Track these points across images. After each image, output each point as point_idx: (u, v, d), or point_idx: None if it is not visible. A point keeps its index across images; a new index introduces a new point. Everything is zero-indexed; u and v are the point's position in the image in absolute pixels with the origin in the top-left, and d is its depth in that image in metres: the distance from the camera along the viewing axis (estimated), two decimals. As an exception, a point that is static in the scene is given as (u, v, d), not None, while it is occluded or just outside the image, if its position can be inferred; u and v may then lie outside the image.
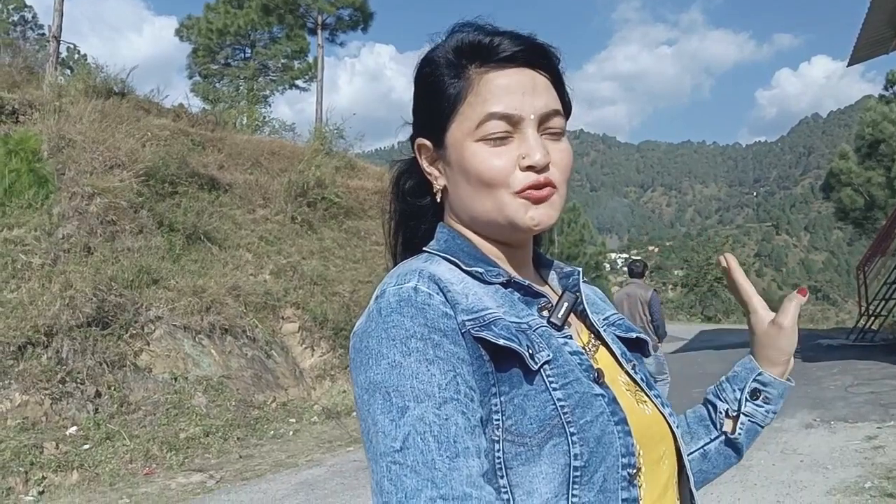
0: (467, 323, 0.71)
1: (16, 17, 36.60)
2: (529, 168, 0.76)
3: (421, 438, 0.63)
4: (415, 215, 0.91)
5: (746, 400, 0.94)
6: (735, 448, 0.96)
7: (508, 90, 0.76)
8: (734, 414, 0.95)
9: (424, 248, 0.84)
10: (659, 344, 6.79)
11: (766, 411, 0.94)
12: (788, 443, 5.76)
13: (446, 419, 0.65)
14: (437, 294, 0.72)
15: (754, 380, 0.95)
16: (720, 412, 0.96)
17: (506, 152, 0.76)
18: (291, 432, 6.89)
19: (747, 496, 4.45)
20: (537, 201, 0.77)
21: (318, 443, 6.51)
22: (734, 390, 0.96)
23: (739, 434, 0.94)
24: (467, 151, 0.77)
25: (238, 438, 6.47)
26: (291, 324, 9.04)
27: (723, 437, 0.96)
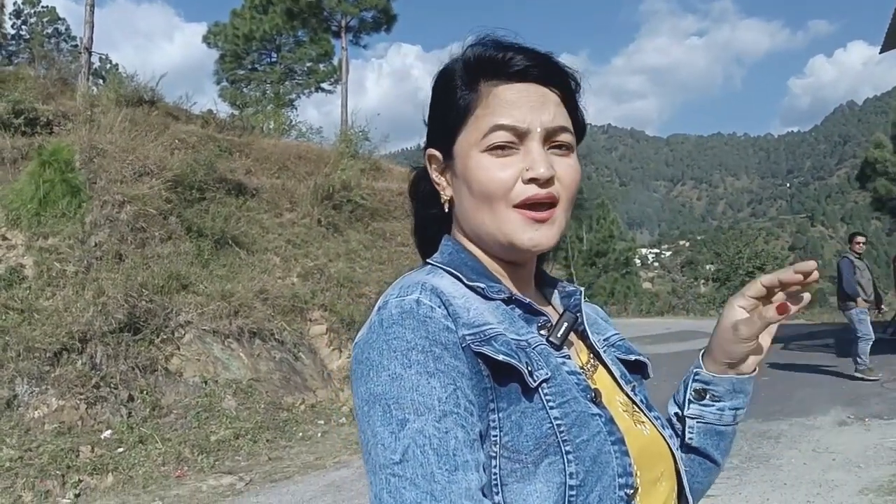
0: (468, 337, 0.71)
1: (50, 30, 37.53)
2: (532, 181, 0.76)
3: (420, 451, 0.64)
4: (426, 223, 0.92)
5: (690, 401, 0.89)
6: (701, 454, 0.90)
7: (516, 103, 0.77)
8: (682, 417, 0.90)
9: (428, 261, 0.85)
10: (853, 304, 8.00)
11: (719, 409, 0.88)
12: (821, 441, 5.65)
13: (446, 432, 0.65)
14: (440, 307, 0.72)
15: (694, 380, 0.90)
16: (672, 417, 0.92)
17: (511, 164, 0.76)
18: (320, 434, 6.96)
19: (776, 496, 4.37)
20: (538, 221, 0.77)
21: (345, 444, 6.57)
22: (682, 392, 0.91)
23: (692, 438, 0.89)
24: (472, 161, 0.78)
25: (267, 440, 6.56)
26: (319, 326, 9.13)
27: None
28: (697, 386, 0.89)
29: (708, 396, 0.88)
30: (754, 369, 0.88)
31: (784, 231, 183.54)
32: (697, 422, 0.88)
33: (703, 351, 0.90)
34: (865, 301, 8.13)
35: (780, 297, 0.83)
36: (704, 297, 31.23)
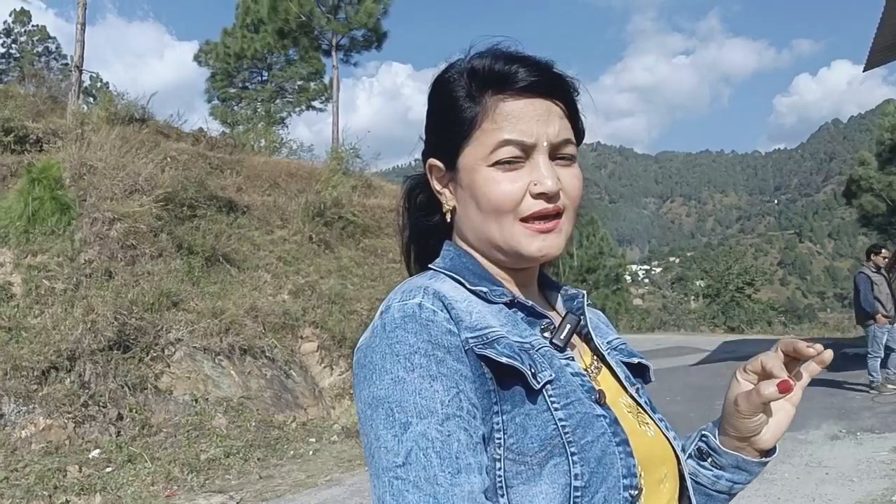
0: (471, 340, 0.72)
1: (40, 49, 37.51)
2: (540, 195, 0.77)
3: (423, 454, 0.64)
4: (425, 231, 0.91)
5: (691, 456, 0.89)
6: None
7: (523, 118, 0.77)
8: None
9: (430, 266, 0.85)
10: (872, 322, 7.91)
11: (716, 476, 0.88)
12: (813, 455, 5.66)
13: (448, 435, 0.65)
14: (442, 311, 0.72)
15: (700, 439, 0.90)
16: None
17: (518, 178, 0.77)
18: (311, 452, 6.89)
19: (771, 511, 4.37)
20: (544, 232, 0.78)
21: (337, 462, 6.51)
22: (690, 442, 0.91)
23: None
24: (480, 176, 0.78)
25: (258, 459, 6.49)
26: (310, 343, 9.08)
27: None
28: (702, 447, 0.89)
29: (709, 461, 0.88)
30: (771, 451, 0.87)
31: (773, 247, 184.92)
32: (690, 478, 0.85)
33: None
34: (886, 317, 7.88)
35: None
36: (695, 312, 31.31)
